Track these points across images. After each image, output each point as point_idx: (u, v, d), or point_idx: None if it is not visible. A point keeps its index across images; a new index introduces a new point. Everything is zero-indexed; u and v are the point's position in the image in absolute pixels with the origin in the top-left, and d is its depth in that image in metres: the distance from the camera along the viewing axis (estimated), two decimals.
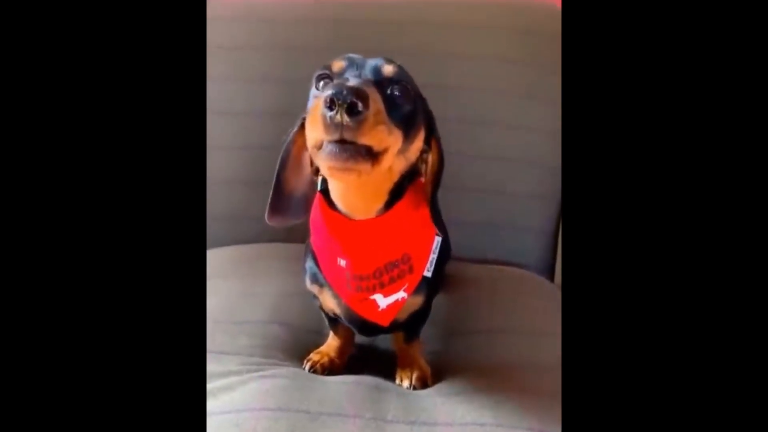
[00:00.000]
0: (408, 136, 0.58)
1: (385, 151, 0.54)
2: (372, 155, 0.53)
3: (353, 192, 0.62)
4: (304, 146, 0.64)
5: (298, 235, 0.73)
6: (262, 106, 1.11)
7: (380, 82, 0.57)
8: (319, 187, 0.66)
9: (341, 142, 0.51)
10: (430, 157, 0.63)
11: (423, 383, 0.69)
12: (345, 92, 0.49)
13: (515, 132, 1.09)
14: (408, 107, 0.58)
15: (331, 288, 0.68)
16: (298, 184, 0.66)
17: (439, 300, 0.89)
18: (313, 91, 0.59)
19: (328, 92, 0.49)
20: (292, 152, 0.64)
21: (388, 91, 0.57)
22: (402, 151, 0.58)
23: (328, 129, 0.51)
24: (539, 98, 1.10)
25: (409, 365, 0.72)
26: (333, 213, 0.64)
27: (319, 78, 0.59)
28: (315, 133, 0.53)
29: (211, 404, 0.61)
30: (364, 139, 0.51)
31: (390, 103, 0.55)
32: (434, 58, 1.11)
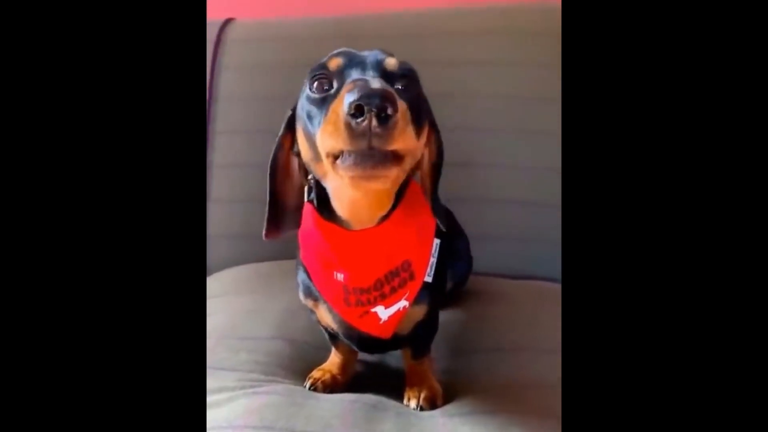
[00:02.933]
0: (419, 133, 0.52)
1: (408, 152, 0.49)
2: (397, 159, 0.48)
3: (363, 199, 0.56)
4: (290, 151, 0.61)
5: None
6: (275, 125, 1.10)
7: (387, 78, 0.51)
8: (306, 198, 0.61)
9: (368, 149, 0.45)
10: (426, 150, 0.58)
11: (432, 403, 0.64)
12: (373, 96, 0.43)
13: (541, 139, 1.03)
14: (416, 102, 0.52)
15: (326, 302, 0.63)
16: (290, 192, 0.62)
17: (457, 316, 0.83)
18: (307, 92, 0.54)
19: (353, 97, 0.43)
20: (280, 159, 0.60)
21: (396, 87, 0.51)
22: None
23: (354, 138, 0.45)
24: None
25: (417, 384, 0.66)
26: (328, 224, 0.59)
27: (314, 78, 0.53)
28: (334, 142, 0.47)
29: None
30: (394, 145, 0.46)
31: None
32: (457, 67, 1.08)
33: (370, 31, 1.16)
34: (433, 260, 0.62)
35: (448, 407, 0.62)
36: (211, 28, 1.23)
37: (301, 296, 0.67)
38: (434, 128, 0.59)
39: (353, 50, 0.55)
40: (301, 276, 0.66)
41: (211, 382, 0.65)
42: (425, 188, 0.60)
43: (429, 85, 1.15)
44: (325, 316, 0.65)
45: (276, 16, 1.30)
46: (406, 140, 0.47)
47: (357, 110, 0.44)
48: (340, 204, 0.58)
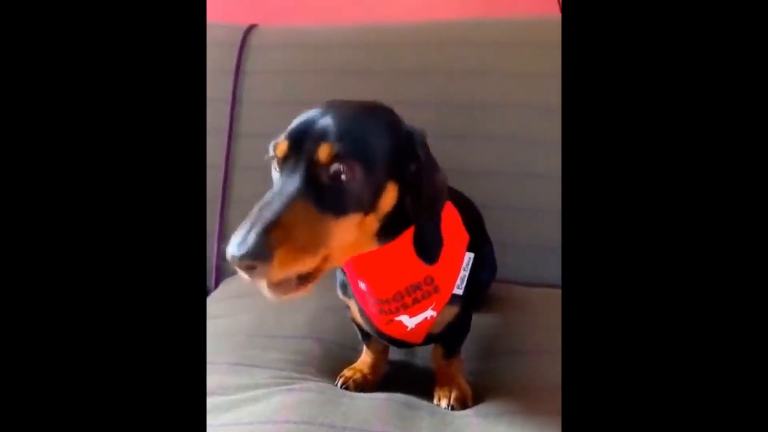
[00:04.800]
0: (370, 204, 0.53)
1: (323, 262, 0.50)
2: (304, 277, 0.50)
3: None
4: None
5: None
6: None
7: (315, 170, 0.51)
8: None
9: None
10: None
11: (462, 403, 0.65)
12: (239, 258, 0.45)
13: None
14: (359, 184, 0.52)
15: (358, 302, 0.65)
16: None
17: (482, 320, 0.84)
18: (273, 173, 0.55)
19: (227, 250, 0.46)
20: None
21: (329, 178, 0.51)
22: (369, 213, 0.54)
23: (240, 269, 0.47)
24: None
25: (447, 384, 0.67)
26: None
27: (270, 159, 0.55)
28: None
29: (233, 415, 0.58)
30: (280, 277, 0.48)
31: (331, 191, 0.51)
32: (479, 77, 1.09)
33: (391, 40, 1.18)
34: (464, 273, 0.63)
35: (481, 407, 0.63)
36: (235, 33, 1.24)
37: (339, 292, 0.69)
38: (431, 165, 0.57)
39: (304, 127, 0.53)
40: (339, 272, 0.67)
41: (244, 379, 0.66)
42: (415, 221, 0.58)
43: (452, 95, 1.16)
44: (357, 314, 0.67)
45: (299, 24, 1.32)
46: (297, 268, 0.48)
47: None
48: None
